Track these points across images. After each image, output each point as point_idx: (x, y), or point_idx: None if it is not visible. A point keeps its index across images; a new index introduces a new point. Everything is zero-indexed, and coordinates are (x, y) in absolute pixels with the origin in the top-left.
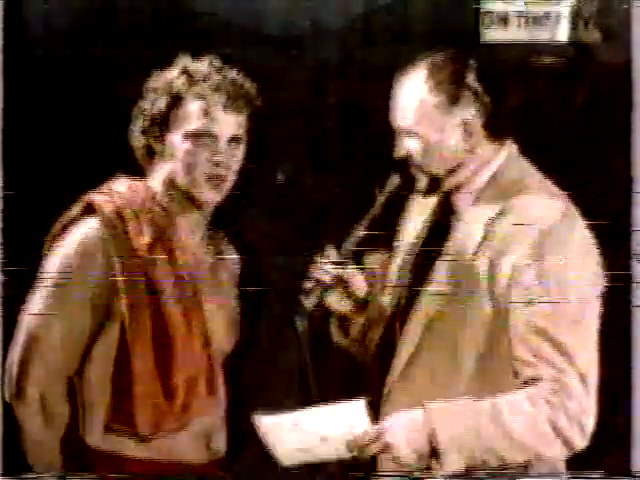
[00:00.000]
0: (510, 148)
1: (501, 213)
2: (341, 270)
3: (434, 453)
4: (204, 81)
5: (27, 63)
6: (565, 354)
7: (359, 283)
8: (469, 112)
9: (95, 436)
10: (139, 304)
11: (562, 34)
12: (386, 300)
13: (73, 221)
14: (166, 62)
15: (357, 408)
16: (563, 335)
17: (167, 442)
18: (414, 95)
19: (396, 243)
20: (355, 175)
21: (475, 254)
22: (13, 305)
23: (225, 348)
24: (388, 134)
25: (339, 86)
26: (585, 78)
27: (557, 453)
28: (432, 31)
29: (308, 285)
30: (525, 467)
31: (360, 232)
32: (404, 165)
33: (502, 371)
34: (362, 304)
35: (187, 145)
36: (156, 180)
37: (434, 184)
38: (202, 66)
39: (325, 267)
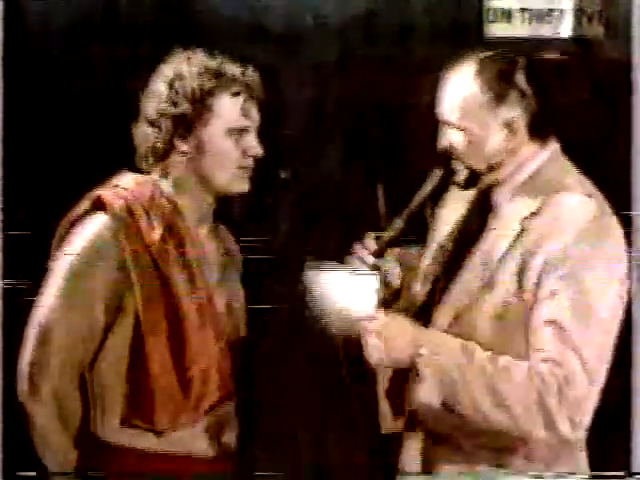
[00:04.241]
0: (553, 147)
1: (537, 211)
2: (379, 259)
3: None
4: (233, 78)
5: (27, 60)
6: (574, 348)
7: (395, 273)
8: (515, 112)
9: (109, 431)
10: (153, 298)
11: (565, 30)
12: (418, 291)
13: (82, 217)
14: (167, 59)
15: (370, 283)
16: (577, 330)
17: (179, 435)
18: (462, 90)
19: (431, 235)
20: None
21: (508, 250)
22: (16, 302)
23: (235, 342)
24: (390, 130)
25: (340, 83)
26: (588, 73)
27: (541, 435)
28: (434, 28)
29: None
30: (514, 448)
31: (400, 223)
32: (446, 157)
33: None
34: (395, 294)
35: (222, 140)
36: (167, 175)
37: (473, 178)
38: (224, 63)
39: (363, 255)
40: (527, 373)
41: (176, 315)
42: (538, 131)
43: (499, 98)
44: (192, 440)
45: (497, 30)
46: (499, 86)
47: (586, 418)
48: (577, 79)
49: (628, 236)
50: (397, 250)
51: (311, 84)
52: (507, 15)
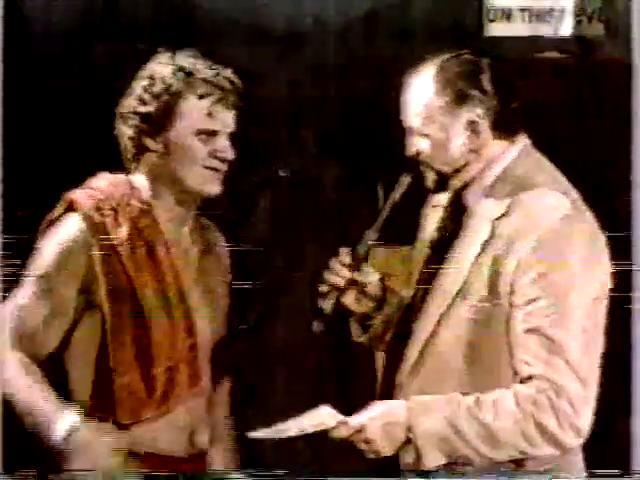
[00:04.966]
0: (522, 143)
1: (507, 211)
2: (355, 273)
3: (413, 447)
4: (203, 80)
5: (28, 60)
6: (560, 354)
7: (374, 283)
8: (475, 113)
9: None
10: (118, 296)
11: (566, 29)
12: (403, 297)
13: (57, 219)
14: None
15: (326, 411)
16: (559, 335)
17: (150, 433)
18: (422, 95)
19: (416, 241)
20: (358, 173)
21: (481, 252)
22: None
23: (211, 339)
24: (390, 131)
25: (340, 84)
26: (588, 73)
27: (547, 452)
28: (435, 28)
29: (324, 289)
30: (520, 463)
31: (373, 234)
32: (414, 163)
33: (491, 369)
34: (380, 302)
35: (190, 141)
36: (143, 175)
37: (442, 182)
38: (198, 64)
39: (339, 271)
40: (515, 401)
41: (141, 313)
42: (504, 129)
43: (459, 100)
44: (162, 438)
45: (497, 30)
46: (458, 88)
47: (586, 423)
48: (577, 79)
49: (629, 237)
50: (380, 252)
51: (311, 84)
52: (507, 15)
